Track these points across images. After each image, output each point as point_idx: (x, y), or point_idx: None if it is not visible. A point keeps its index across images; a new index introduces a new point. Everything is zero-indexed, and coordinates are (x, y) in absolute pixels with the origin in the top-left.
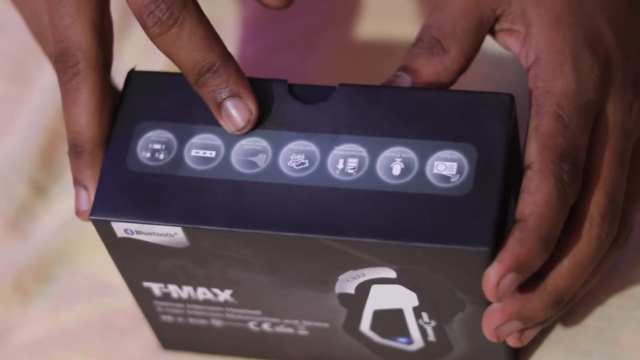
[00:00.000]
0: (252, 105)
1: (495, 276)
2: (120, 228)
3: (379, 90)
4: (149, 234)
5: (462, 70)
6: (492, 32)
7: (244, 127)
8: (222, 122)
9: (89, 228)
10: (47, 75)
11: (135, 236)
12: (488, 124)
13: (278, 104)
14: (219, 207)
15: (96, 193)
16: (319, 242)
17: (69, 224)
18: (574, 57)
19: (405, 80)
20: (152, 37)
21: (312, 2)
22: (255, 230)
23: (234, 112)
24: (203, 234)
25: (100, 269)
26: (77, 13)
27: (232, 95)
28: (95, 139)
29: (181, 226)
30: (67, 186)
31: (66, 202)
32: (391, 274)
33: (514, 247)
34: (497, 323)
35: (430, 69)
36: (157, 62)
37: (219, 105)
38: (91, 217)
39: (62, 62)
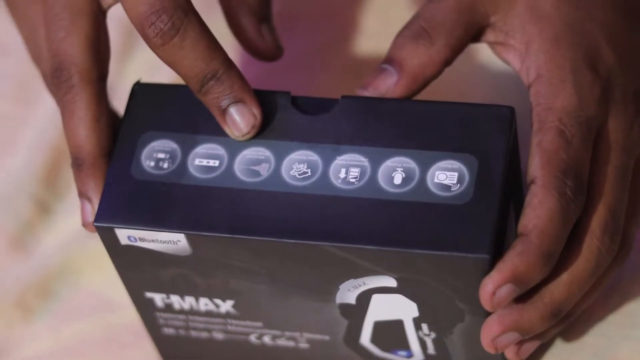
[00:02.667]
0: (256, 111)
1: (492, 285)
2: (124, 235)
3: (381, 102)
4: (152, 241)
5: (447, 62)
6: (490, 44)
7: (248, 133)
8: (226, 129)
9: (91, 246)
10: (50, 96)
11: (139, 243)
12: (488, 135)
13: (281, 114)
14: (221, 215)
15: (100, 201)
16: (320, 249)
17: (71, 241)
18: (574, 74)
19: (391, 75)
20: (154, 48)
21: (314, 23)
22: (257, 237)
23: (238, 118)
24: (205, 241)
25: (102, 286)
26: (71, 26)
27: (236, 101)
28: (95, 151)
29: (184, 233)
30: (70, 204)
31: (69, 221)
32: (392, 282)
33: (514, 260)
34: (494, 333)
35: (415, 60)
36: (162, 80)
37: (223, 111)
38: (95, 224)
39: (57, 77)
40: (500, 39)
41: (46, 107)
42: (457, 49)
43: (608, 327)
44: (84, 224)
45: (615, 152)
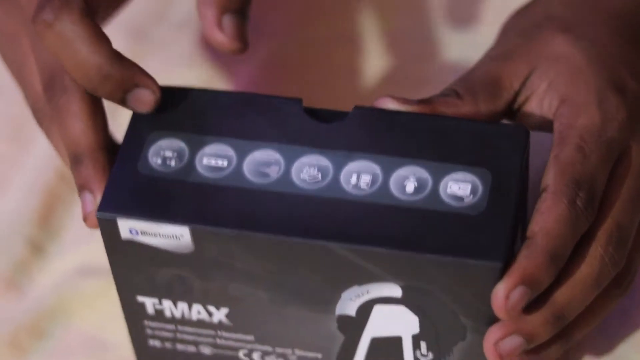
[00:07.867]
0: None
1: (504, 290)
2: (126, 227)
3: (395, 114)
4: (154, 235)
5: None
6: (514, 114)
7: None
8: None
9: (85, 286)
10: (45, 136)
11: (140, 238)
12: (503, 152)
13: (292, 121)
14: (228, 211)
15: (104, 193)
16: (327, 249)
17: (65, 282)
18: (599, 98)
19: (414, 101)
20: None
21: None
22: (263, 233)
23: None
24: (210, 237)
25: (94, 326)
26: None
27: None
28: (93, 144)
29: (189, 226)
30: (63, 245)
31: (63, 261)
32: (396, 291)
33: (522, 262)
34: (496, 337)
35: (442, 103)
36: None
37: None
38: (98, 215)
39: (51, 87)
40: (522, 99)
41: (41, 147)
42: (483, 114)
43: None
44: (85, 217)
45: (633, 175)
